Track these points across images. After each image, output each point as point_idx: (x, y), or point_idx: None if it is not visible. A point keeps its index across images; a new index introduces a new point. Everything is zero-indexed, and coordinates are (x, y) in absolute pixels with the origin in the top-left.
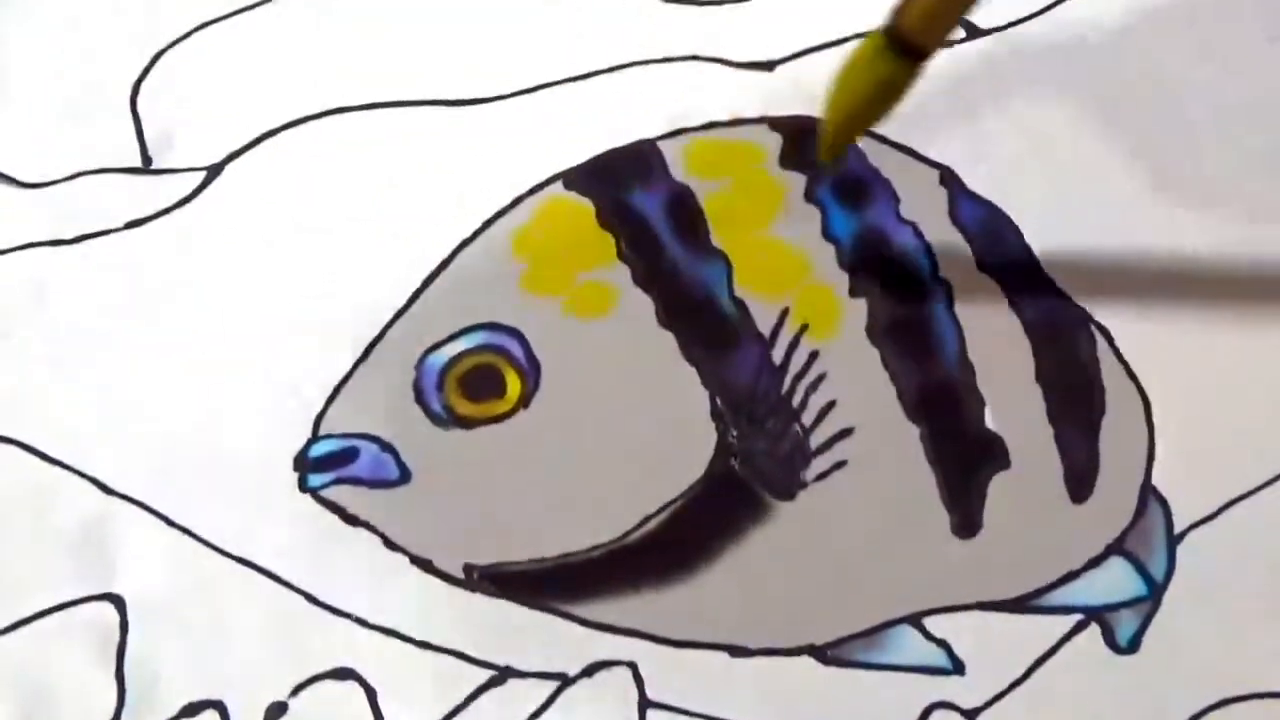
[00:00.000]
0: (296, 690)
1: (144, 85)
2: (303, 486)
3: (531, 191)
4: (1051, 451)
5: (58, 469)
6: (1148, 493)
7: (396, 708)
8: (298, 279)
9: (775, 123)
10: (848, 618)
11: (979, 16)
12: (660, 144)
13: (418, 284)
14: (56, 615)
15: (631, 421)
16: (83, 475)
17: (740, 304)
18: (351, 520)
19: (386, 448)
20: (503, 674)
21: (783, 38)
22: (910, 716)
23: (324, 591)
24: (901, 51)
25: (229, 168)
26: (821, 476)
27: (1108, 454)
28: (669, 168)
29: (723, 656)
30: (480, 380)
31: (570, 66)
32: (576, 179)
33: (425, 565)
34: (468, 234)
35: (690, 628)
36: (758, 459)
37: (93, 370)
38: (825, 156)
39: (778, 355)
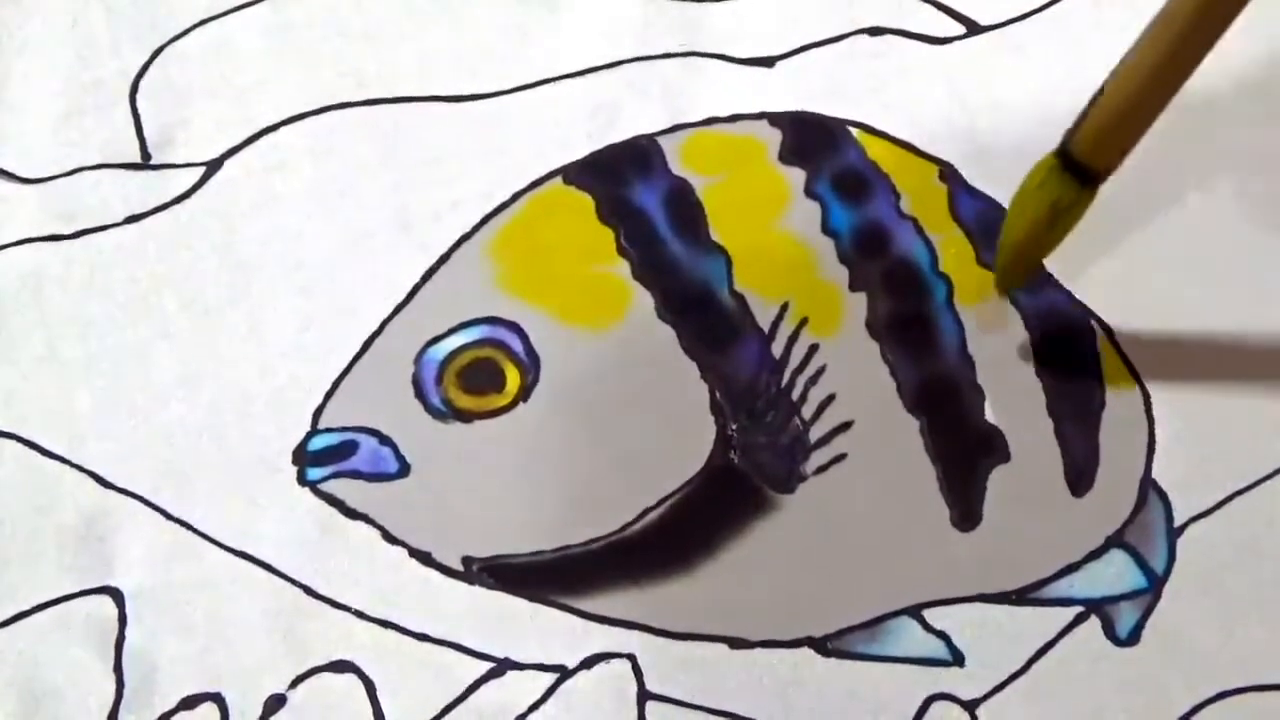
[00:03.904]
0: (295, 683)
1: (143, 81)
2: (302, 480)
3: (531, 186)
4: (1052, 445)
5: (56, 463)
6: (1148, 486)
7: (395, 700)
8: (296, 274)
9: (775, 118)
10: (847, 609)
11: (979, 13)
12: (660, 139)
13: (417, 279)
14: (55, 609)
15: (631, 415)
16: (81, 469)
17: (740, 298)
18: (350, 513)
19: (385, 441)
20: (501, 666)
21: (783, 34)
22: (910, 708)
23: (323, 584)
24: (1075, 174)
25: (228, 163)
26: (821, 470)
27: (1108, 448)
28: (668, 162)
29: (722, 648)
30: (479, 374)
31: (570, 62)
32: (576, 174)
33: (424, 558)
34: (467, 229)
35: (690, 620)
36: (757, 452)
37: (91, 365)
38: (1000, 285)
39: (777, 349)
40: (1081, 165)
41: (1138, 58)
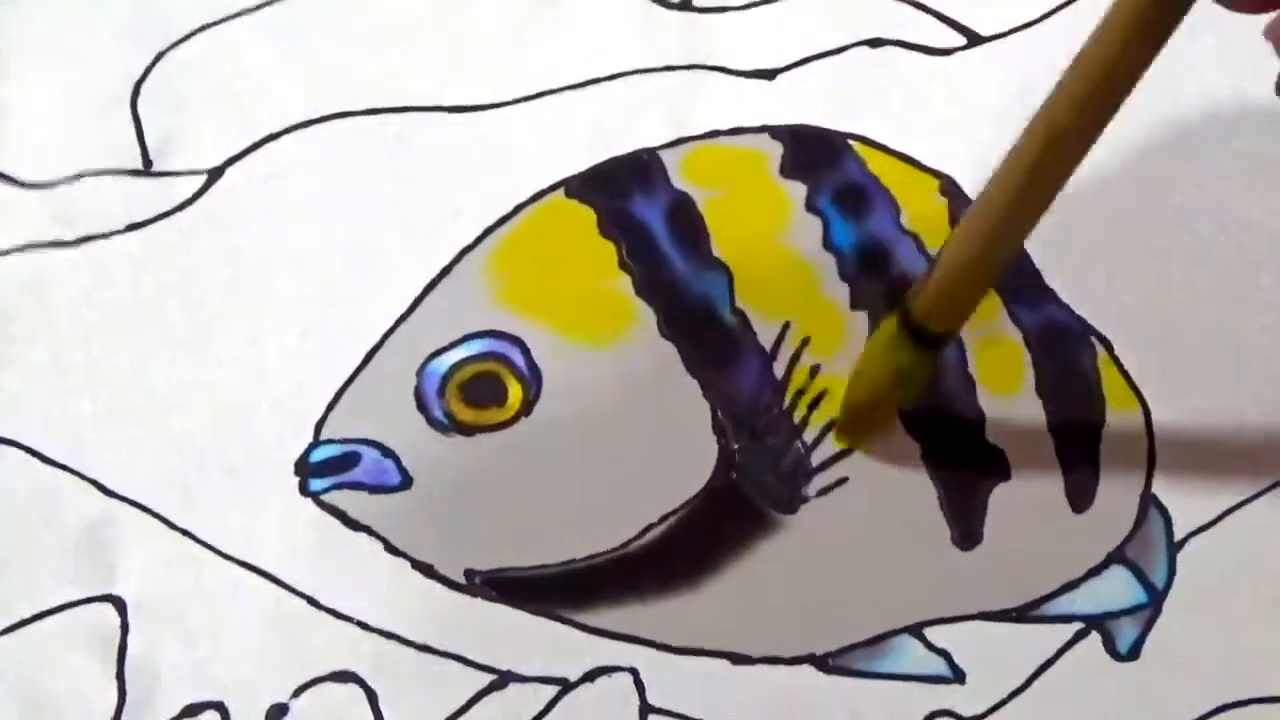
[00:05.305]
0: (297, 692)
1: (145, 87)
2: (304, 491)
3: (533, 199)
4: (1052, 462)
5: (59, 471)
6: (1148, 502)
7: (397, 711)
8: (298, 283)
9: (776, 131)
10: (849, 627)
11: (979, 24)
12: (661, 152)
13: (419, 290)
14: (57, 616)
15: (632, 432)
16: (84, 478)
17: (741, 316)
18: (353, 525)
19: (388, 453)
20: (503, 678)
21: (784, 47)
22: None
23: (325, 595)
24: (917, 338)
25: (229, 171)
26: (823, 492)
27: (1108, 464)
28: (669, 176)
29: (724, 664)
30: (482, 388)
31: (572, 74)
32: (578, 187)
33: (427, 570)
34: (469, 240)
35: (692, 635)
36: (759, 473)
37: (94, 373)
38: (843, 443)
39: (779, 369)
40: (922, 330)
41: (972, 220)
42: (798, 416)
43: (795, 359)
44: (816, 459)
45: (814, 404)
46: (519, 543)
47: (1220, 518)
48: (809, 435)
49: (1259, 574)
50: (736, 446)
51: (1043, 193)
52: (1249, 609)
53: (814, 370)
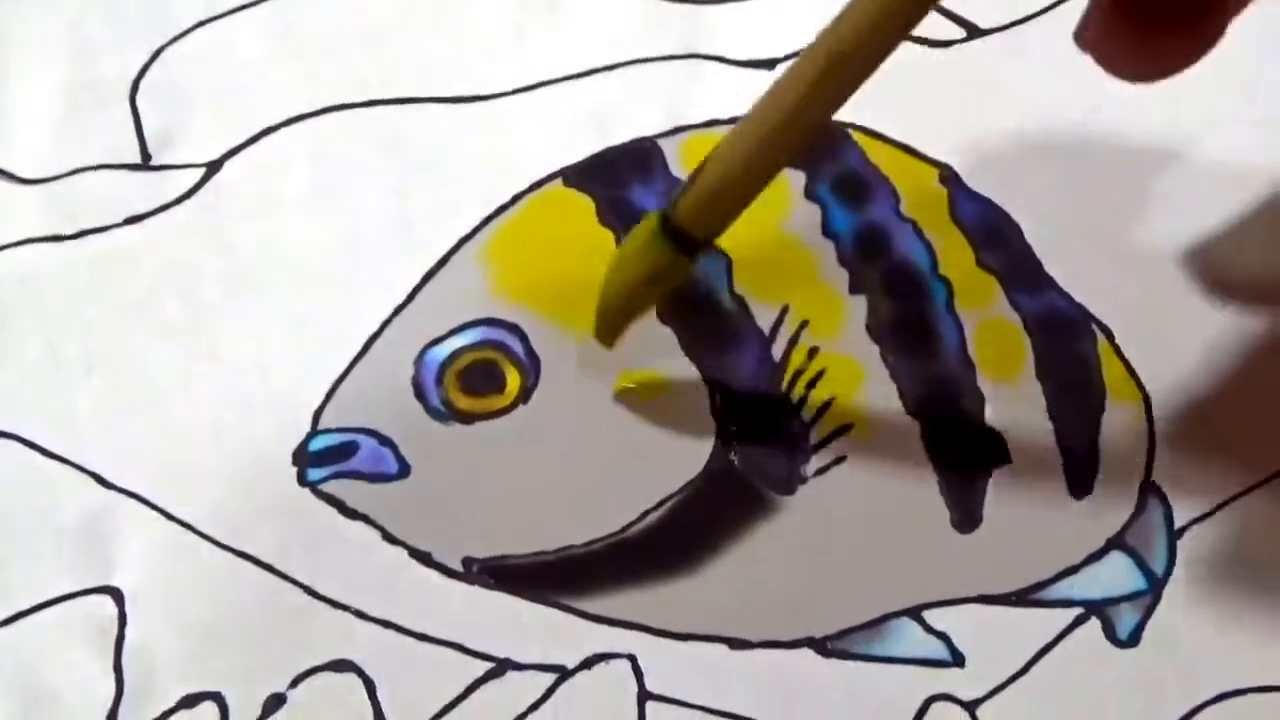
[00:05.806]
0: (295, 682)
1: (144, 81)
2: (302, 480)
3: (531, 188)
4: (1052, 448)
5: (56, 463)
6: (1148, 489)
7: (395, 699)
8: (296, 274)
9: None
10: (848, 610)
11: (979, 16)
12: (660, 141)
13: (417, 279)
14: (55, 608)
15: (630, 418)
16: (81, 469)
17: (740, 301)
18: (350, 514)
19: (385, 442)
20: (501, 666)
21: (783, 35)
22: (910, 708)
23: (323, 584)
24: (675, 239)
25: (228, 164)
26: (821, 472)
27: (1108, 450)
28: (668, 165)
29: (722, 649)
30: (480, 376)
31: (570, 64)
32: (576, 176)
33: (424, 558)
34: (467, 230)
35: (690, 620)
36: (757, 455)
37: (91, 365)
38: (599, 338)
39: (778, 352)
40: (682, 232)
41: (743, 131)
42: (795, 395)
43: (794, 341)
44: (814, 438)
45: (812, 383)
46: (517, 530)
47: (1220, 506)
48: (806, 414)
49: (1259, 563)
50: (735, 429)
51: (816, 112)
52: (1248, 598)
53: (812, 351)
